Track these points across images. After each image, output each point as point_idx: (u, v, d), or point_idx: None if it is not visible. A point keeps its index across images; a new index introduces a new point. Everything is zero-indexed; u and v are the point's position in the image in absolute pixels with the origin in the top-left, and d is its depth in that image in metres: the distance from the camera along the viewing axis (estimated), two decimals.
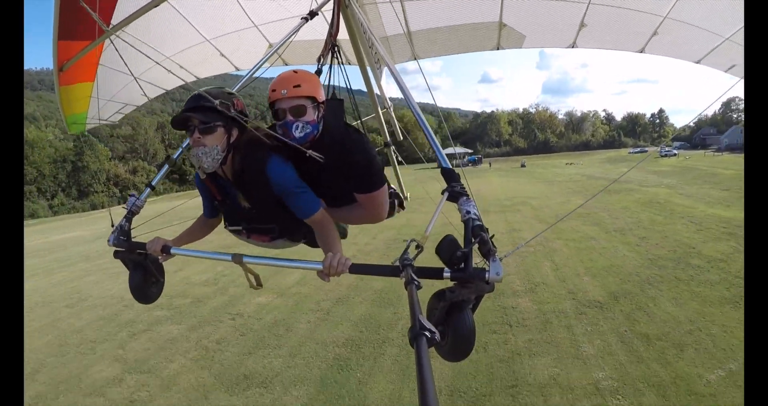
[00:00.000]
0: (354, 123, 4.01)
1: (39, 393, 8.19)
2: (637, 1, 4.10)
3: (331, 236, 2.63)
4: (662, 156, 75.63)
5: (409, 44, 5.21)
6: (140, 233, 3.14)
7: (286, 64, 6.05)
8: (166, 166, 3.35)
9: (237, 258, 2.57)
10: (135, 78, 4.54)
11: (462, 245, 2.07)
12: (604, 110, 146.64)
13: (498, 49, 5.05)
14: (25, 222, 56.34)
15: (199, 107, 2.48)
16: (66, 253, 24.92)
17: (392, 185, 3.90)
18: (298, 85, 2.60)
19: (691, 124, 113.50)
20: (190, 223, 3.25)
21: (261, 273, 2.97)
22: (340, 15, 3.82)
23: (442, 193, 2.47)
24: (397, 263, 2.08)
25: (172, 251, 2.74)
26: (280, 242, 3.06)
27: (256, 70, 3.90)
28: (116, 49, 3.92)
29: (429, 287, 2.06)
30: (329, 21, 3.88)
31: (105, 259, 20.21)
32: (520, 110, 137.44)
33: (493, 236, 2.15)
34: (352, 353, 8.90)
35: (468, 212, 2.27)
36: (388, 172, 3.61)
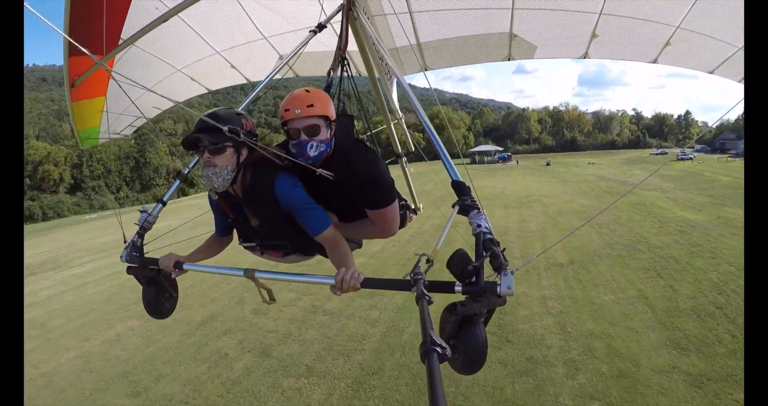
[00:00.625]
0: (365, 135, 4.02)
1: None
2: (649, 11, 3.97)
3: (342, 253, 2.58)
4: (679, 160, 74.99)
5: (418, 55, 5.12)
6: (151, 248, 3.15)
7: (297, 76, 6.01)
8: (177, 182, 3.32)
9: (249, 273, 2.53)
10: (142, 85, 4.55)
11: (473, 259, 2.05)
12: (634, 109, 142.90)
13: (509, 59, 4.93)
14: (98, 214, 59.68)
15: (209, 128, 2.46)
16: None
17: (404, 197, 3.82)
18: (312, 105, 2.57)
19: (713, 128, 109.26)
20: (199, 236, 3.29)
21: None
22: (349, 27, 3.74)
23: (453, 206, 2.43)
24: (409, 278, 2.04)
25: (185, 266, 2.73)
26: (293, 257, 3.04)
27: (268, 81, 3.86)
28: (119, 85, 3.88)
29: (443, 299, 2.11)
30: (338, 33, 3.83)
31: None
32: (551, 108, 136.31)
33: (504, 249, 2.10)
34: None
35: (479, 226, 2.23)
36: (400, 182, 3.63)
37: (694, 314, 11.31)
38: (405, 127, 5.75)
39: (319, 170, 2.54)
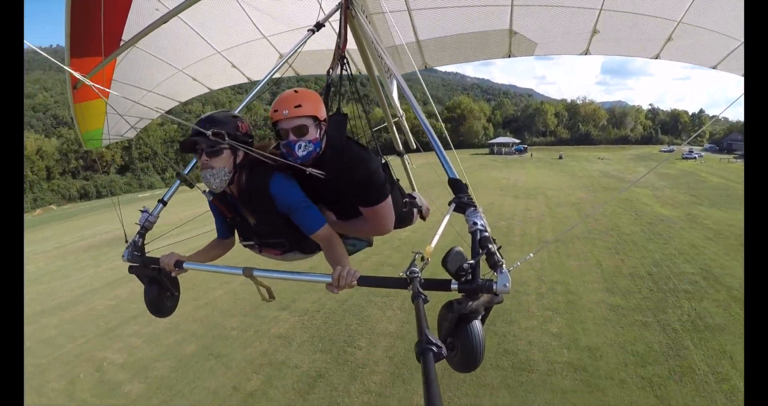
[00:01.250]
0: (365, 134, 3.98)
1: None
2: (650, 6, 3.89)
3: (338, 252, 2.57)
4: (683, 158, 74.94)
5: (418, 53, 5.06)
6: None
7: (298, 75, 5.96)
8: (177, 183, 3.24)
9: (247, 272, 2.52)
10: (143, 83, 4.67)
11: (469, 257, 2.02)
12: (650, 104, 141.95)
13: (509, 56, 4.84)
14: (150, 192, 62.13)
15: (209, 131, 2.45)
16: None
17: (415, 194, 3.86)
18: (299, 106, 2.56)
19: (714, 124, 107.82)
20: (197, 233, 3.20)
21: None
22: (347, 26, 3.69)
23: (449, 204, 2.40)
24: (404, 276, 2.00)
25: (185, 265, 2.71)
26: (291, 256, 3.04)
27: (267, 80, 3.81)
28: (94, 88, 4.00)
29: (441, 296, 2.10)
30: (337, 32, 3.78)
31: None
32: (569, 101, 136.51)
33: (500, 247, 2.08)
34: None
35: (475, 223, 2.19)
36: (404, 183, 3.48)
37: (630, 276, 16.59)
38: (406, 124, 5.72)
39: (309, 169, 2.57)
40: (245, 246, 3.02)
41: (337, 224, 2.93)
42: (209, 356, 11.74)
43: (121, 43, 3.96)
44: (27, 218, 52.77)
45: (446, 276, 2.01)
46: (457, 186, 2.45)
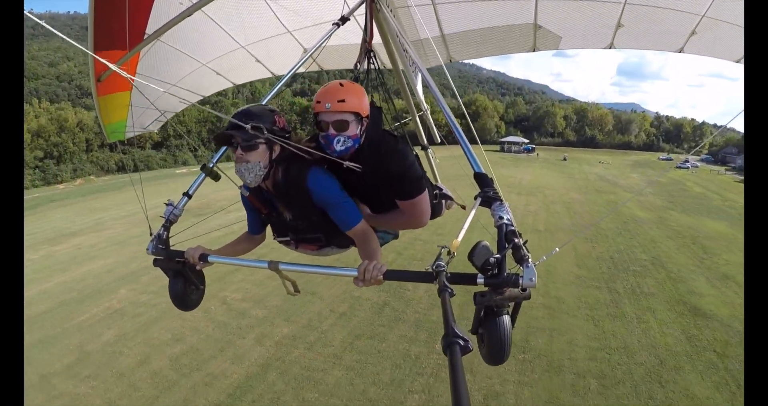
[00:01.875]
0: (392, 128, 3.92)
1: None
2: (674, 0, 3.82)
3: (372, 246, 2.54)
4: (677, 167, 79.82)
5: (442, 47, 4.98)
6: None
7: (322, 70, 5.96)
8: (203, 175, 3.14)
9: (273, 265, 2.44)
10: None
11: (494, 251, 2.02)
12: (657, 112, 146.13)
13: (534, 50, 4.76)
14: (188, 168, 66.16)
15: (248, 124, 2.38)
16: None
17: (442, 185, 3.88)
18: (343, 100, 2.51)
19: (716, 135, 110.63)
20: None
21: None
22: (373, 20, 3.63)
23: (475, 198, 2.38)
24: (430, 270, 2.01)
25: (210, 258, 2.63)
26: (328, 250, 2.99)
27: (291, 75, 3.75)
28: (138, 89, 3.88)
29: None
30: (362, 26, 3.73)
31: None
32: (579, 103, 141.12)
33: (526, 241, 2.06)
34: None
35: (501, 218, 2.20)
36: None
37: (596, 258, 22.89)
38: (431, 119, 5.64)
39: (347, 163, 2.53)
40: (280, 242, 2.94)
41: (373, 218, 2.86)
42: (306, 293, 16.54)
43: (145, 36, 3.88)
44: (69, 187, 54.67)
45: (472, 270, 1.99)
46: (483, 180, 2.44)
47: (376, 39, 3.77)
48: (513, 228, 2.15)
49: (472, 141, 2.81)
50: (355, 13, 3.79)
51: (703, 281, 21.46)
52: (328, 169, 2.66)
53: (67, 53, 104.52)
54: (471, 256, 1.99)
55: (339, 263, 2.48)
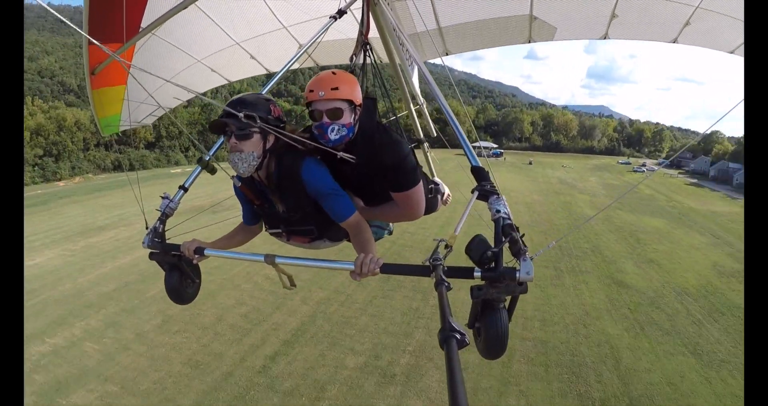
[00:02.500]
0: (389, 121, 3.86)
1: None
2: None
3: (365, 239, 2.51)
4: (634, 171, 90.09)
5: (439, 40, 4.96)
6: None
7: (317, 65, 5.85)
8: (199, 168, 3.10)
9: (269, 259, 2.41)
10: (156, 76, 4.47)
11: (492, 245, 1.99)
12: (621, 118, 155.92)
13: (530, 42, 4.76)
14: (182, 169, 68.85)
15: (241, 113, 2.32)
16: None
17: (436, 179, 3.81)
18: (336, 88, 2.46)
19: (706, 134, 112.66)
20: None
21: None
22: (370, 13, 3.57)
23: (472, 191, 2.35)
24: (428, 263, 1.99)
25: (206, 252, 2.61)
26: (320, 243, 2.94)
27: (286, 70, 3.68)
28: (132, 75, 3.67)
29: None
30: (358, 20, 3.70)
31: None
32: (551, 103, 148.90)
33: (523, 235, 2.05)
34: None
35: (498, 211, 2.17)
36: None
37: (546, 237, 30.37)
38: (427, 113, 5.60)
39: (341, 154, 2.48)
40: (272, 234, 2.89)
41: (366, 210, 2.82)
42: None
43: (140, 30, 3.82)
44: (69, 184, 57.25)
45: (469, 264, 1.99)
46: (480, 174, 2.40)
47: (372, 33, 3.70)
48: (510, 222, 2.11)
49: (455, 145, 2.86)
50: (351, 7, 3.70)
51: (630, 264, 28.58)
52: (322, 160, 2.59)
53: (45, 47, 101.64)
54: (468, 249, 1.98)
55: (335, 257, 2.46)
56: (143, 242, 2.81)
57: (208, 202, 8.34)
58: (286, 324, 18.81)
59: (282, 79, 3.79)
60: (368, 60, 3.74)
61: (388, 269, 2.19)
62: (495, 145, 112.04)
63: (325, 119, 2.50)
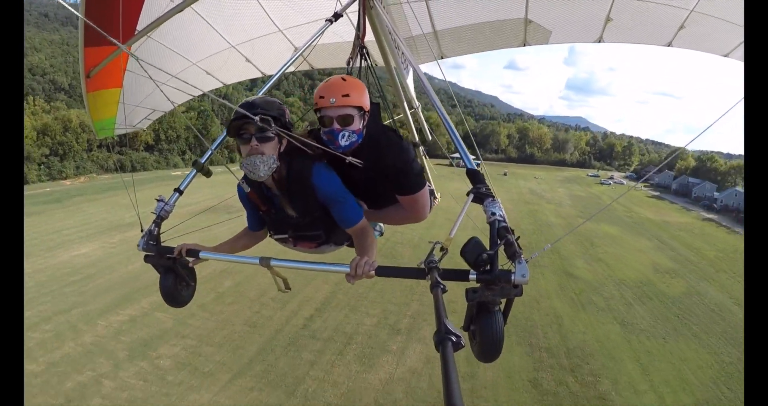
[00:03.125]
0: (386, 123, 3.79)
1: None
2: None
3: (369, 242, 2.49)
4: (601, 184, 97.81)
5: (435, 43, 4.94)
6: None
7: (313, 68, 5.85)
8: (194, 171, 3.06)
9: (264, 262, 2.42)
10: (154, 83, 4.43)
11: (487, 247, 1.97)
12: (595, 132, 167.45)
13: (525, 45, 4.76)
14: (174, 172, 70.42)
15: (257, 116, 2.28)
16: None
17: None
18: (347, 95, 2.46)
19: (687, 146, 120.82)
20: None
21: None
22: (366, 16, 3.56)
23: (468, 194, 2.34)
24: (423, 266, 1.98)
25: (201, 254, 2.60)
26: (326, 248, 2.94)
27: (281, 73, 3.64)
28: (137, 60, 3.46)
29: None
30: (354, 23, 3.70)
31: None
32: (527, 117, 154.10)
33: (518, 237, 2.03)
34: None
35: (493, 214, 2.16)
36: None
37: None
38: (422, 116, 5.61)
39: (349, 158, 2.49)
40: (277, 240, 2.86)
41: (371, 214, 2.87)
42: (341, 257, 27.91)
43: (136, 32, 3.78)
44: (76, 183, 59.79)
45: (465, 266, 1.98)
46: (475, 177, 2.39)
47: (368, 36, 3.68)
48: (505, 224, 2.10)
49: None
50: (347, 10, 3.66)
51: (582, 261, 35.79)
52: (329, 164, 2.57)
53: (33, 43, 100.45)
54: (463, 252, 1.96)
55: (330, 260, 2.50)
56: (138, 245, 2.79)
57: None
58: (314, 297, 25.54)
59: (276, 84, 3.69)
60: (364, 64, 3.72)
61: (383, 271, 2.16)
62: (473, 157, 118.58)
63: (336, 126, 2.49)
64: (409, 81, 4.94)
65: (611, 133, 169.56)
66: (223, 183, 3.36)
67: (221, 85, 5.86)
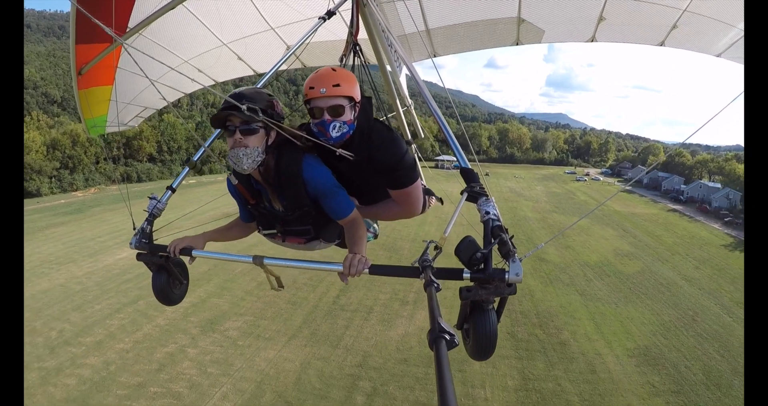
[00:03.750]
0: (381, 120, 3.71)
1: None
2: None
3: (359, 236, 2.46)
4: (576, 180, 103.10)
5: (428, 42, 4.93)
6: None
7: (305, 66, 5.82)
8: (186, 169, 3.07)
9: (258, 260, 2.43)
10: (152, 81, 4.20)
11: (481, 246, 1.98)
12: (571, 130, 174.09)
13: (518, 44, 4.77)
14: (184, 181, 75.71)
15: (238, 107, 2.24)
16: None
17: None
18: (338, 85, 2.41)
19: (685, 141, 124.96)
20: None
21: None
22: (359, 14, 3.56)
23: (462, 193, 2.34)
24: (417, 265, 1.98)
25: (194, 253, 2.60)
26: (315, 244, 2.89)
27: (274, 72, 3.63)
28: (130, 56, 3.37)
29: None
30: (347, 21, 3.68)
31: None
32: (508, 115, 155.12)
33: (512, 236, 2.04)
34: None
35: (487, 213, 2.16)
36: None
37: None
38: (415, 114, 5.58)
39: (339, 151, 2.43)
40: (265, 235, 2.83)
41: (363, 209, 2.81)
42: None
43: (128, 30, 3.77)
44: (87, 195, 62.86)
45: (459, 265, 1.99)
46: (469, 176, 2.40)
47: (361, 34, 3.67)
48: (499, 223, 2.10)
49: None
50: (340, 8, 3.64)
51: (552, 248, 42.20)
52: (321, 158, 2.53)
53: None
54: (458, 251, 1.96)
55: (322, 258, 2.53)
56: (130, 243, 2.77)
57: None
58: (337, 282, 29.05)
59: (269, 82, 3.64)
60: (357, 61, 3.71)
61: (377, 270, 2.19)
62: (454, 158, 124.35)
63: (327, 116, 2.43)
64: (402, 79, 4.93)
65: (591, 129, 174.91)
66: None
67: (213, 83, 5.77)
